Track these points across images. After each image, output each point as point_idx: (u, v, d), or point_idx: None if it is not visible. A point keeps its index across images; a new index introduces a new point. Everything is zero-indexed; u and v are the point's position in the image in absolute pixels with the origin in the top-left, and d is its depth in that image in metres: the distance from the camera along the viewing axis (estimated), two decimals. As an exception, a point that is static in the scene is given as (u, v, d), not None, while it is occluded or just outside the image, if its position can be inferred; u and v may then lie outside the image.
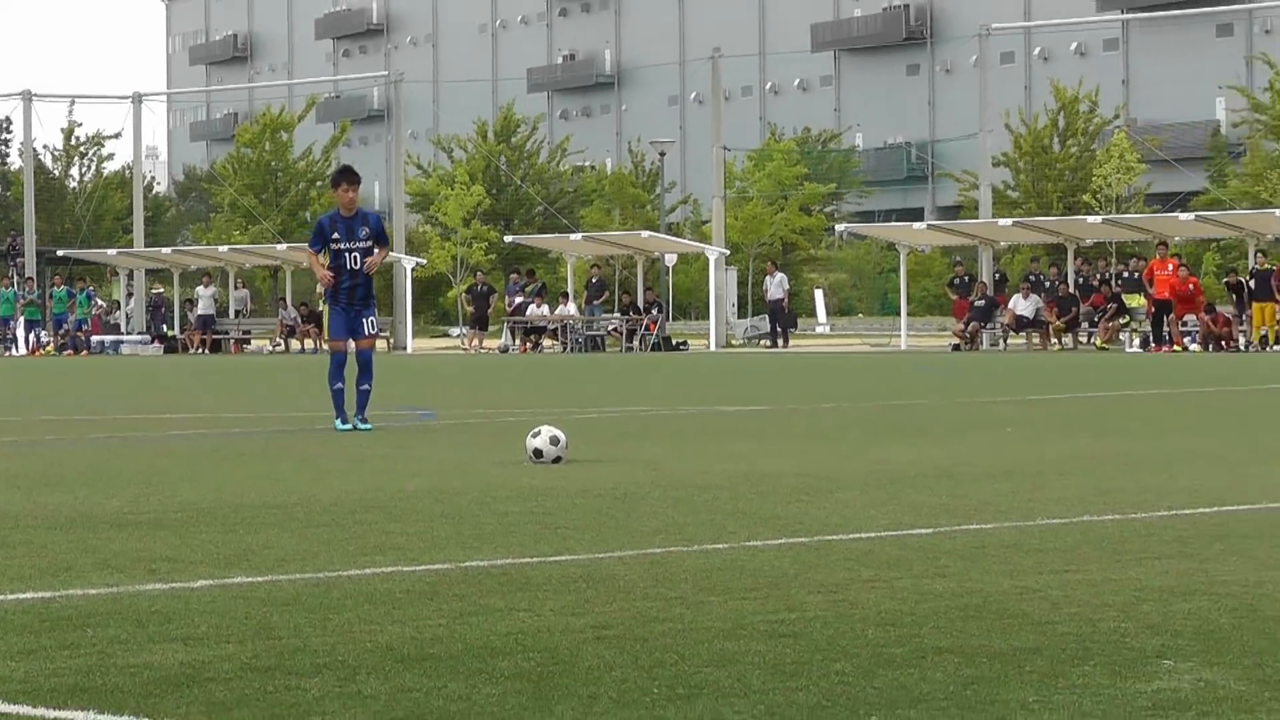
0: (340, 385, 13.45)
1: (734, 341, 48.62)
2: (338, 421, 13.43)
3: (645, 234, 51.94)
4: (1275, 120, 54.31)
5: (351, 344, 13.65)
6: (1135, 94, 77.37)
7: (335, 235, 13.35)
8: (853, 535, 7.32)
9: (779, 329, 46.08)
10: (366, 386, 13.49)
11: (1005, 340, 42.81)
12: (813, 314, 59.81)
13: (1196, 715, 3.64)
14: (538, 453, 10.17)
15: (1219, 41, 76.35)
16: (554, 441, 10.20)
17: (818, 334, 57.73)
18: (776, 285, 46.01)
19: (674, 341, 46.15)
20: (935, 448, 12.44)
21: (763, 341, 47.30)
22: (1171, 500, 8.51)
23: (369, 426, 13.46)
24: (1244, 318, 38.26)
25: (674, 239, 54.69)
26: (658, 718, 3.71)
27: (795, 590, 5.71)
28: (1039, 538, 7.20)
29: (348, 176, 13.90)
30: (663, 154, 62.23)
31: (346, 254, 13.33)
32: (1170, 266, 38.89)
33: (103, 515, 8.26)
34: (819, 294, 61.50)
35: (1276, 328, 37.60)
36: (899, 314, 46.82)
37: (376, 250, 13.56)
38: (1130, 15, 76.16)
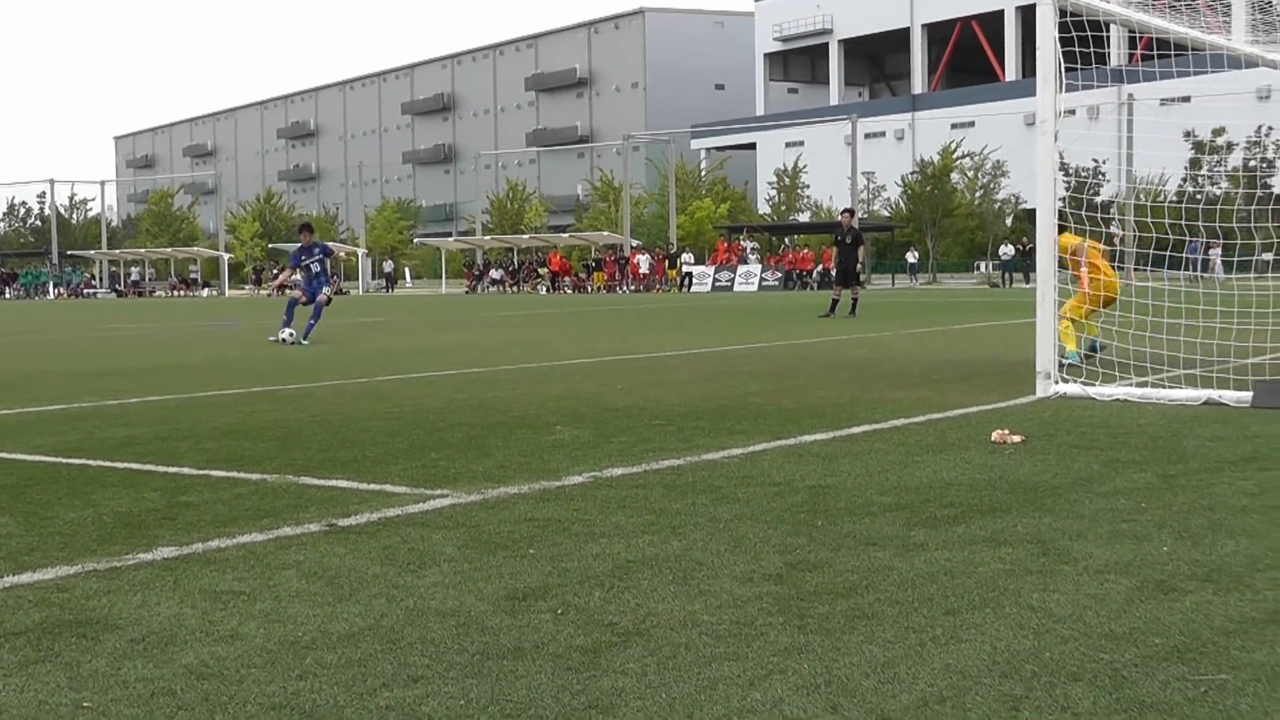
0: (288, 318, 22.82)
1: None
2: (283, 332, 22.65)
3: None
4: None
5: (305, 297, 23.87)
6: None
7: (303, 258, 23.84)
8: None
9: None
10: (314, 322, 23.06)
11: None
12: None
13: (570, 451, 9.20)
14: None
15: None
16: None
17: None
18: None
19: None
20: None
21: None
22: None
23: (308, 343, 21.99)
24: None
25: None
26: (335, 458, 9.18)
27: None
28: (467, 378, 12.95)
29: (307, 228, 25.23)
30: None
31: (309, 265, 23.88)
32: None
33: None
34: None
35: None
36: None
37: (329, 260, 24.65)
38: None
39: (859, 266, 31.52)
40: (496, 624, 4.58)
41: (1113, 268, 15.56)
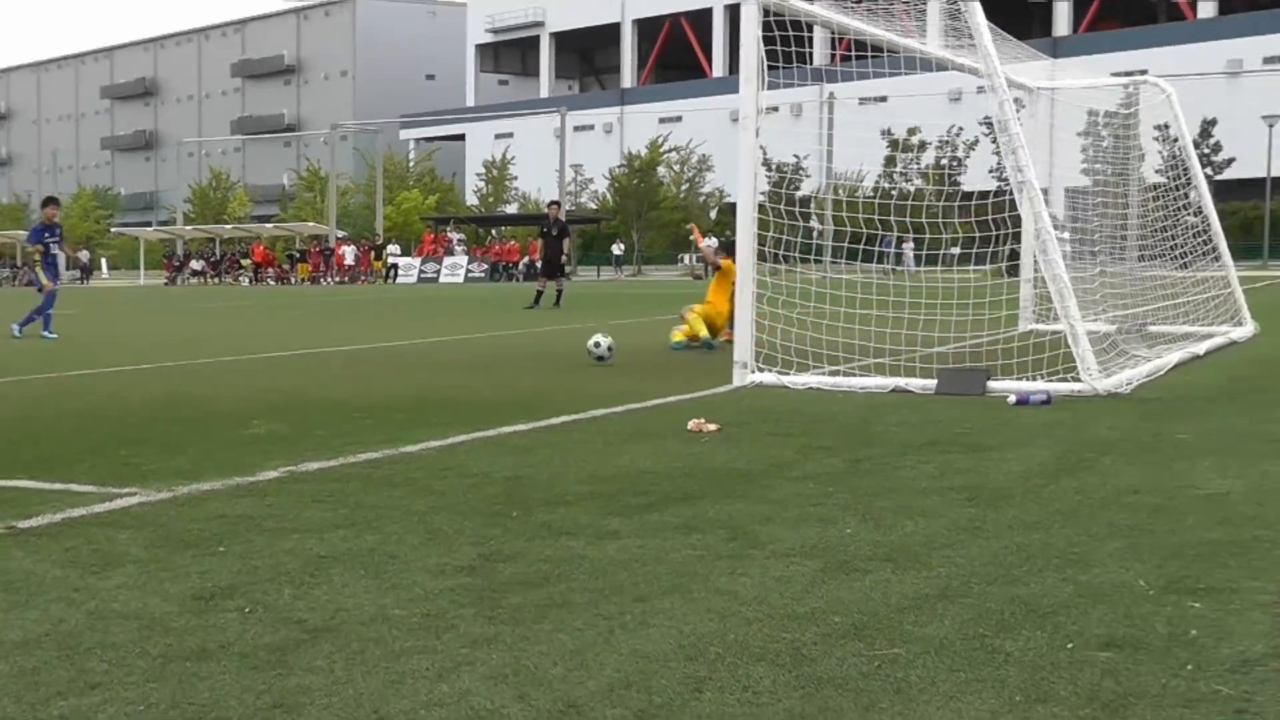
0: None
1: None
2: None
3: None
4: None
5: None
6: None
7: (47, 235, 21.73)
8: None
9: None
10: (50, 312, 21.49)
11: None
12: None
13: (266, 446, 9.04)
14: (597, 346, 14.12)
15: None
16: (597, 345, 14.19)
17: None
18: None
19: None
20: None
21: None
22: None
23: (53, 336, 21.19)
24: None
25: None
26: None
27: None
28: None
29: (54, 202, 22.66)
30: None
31: (50, 244, 21.86)
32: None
33: None
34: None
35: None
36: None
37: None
38: None
39: (565, 259, 31.75)
40: (182, 625, 4.45)
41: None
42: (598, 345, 13.93)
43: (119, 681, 3.89)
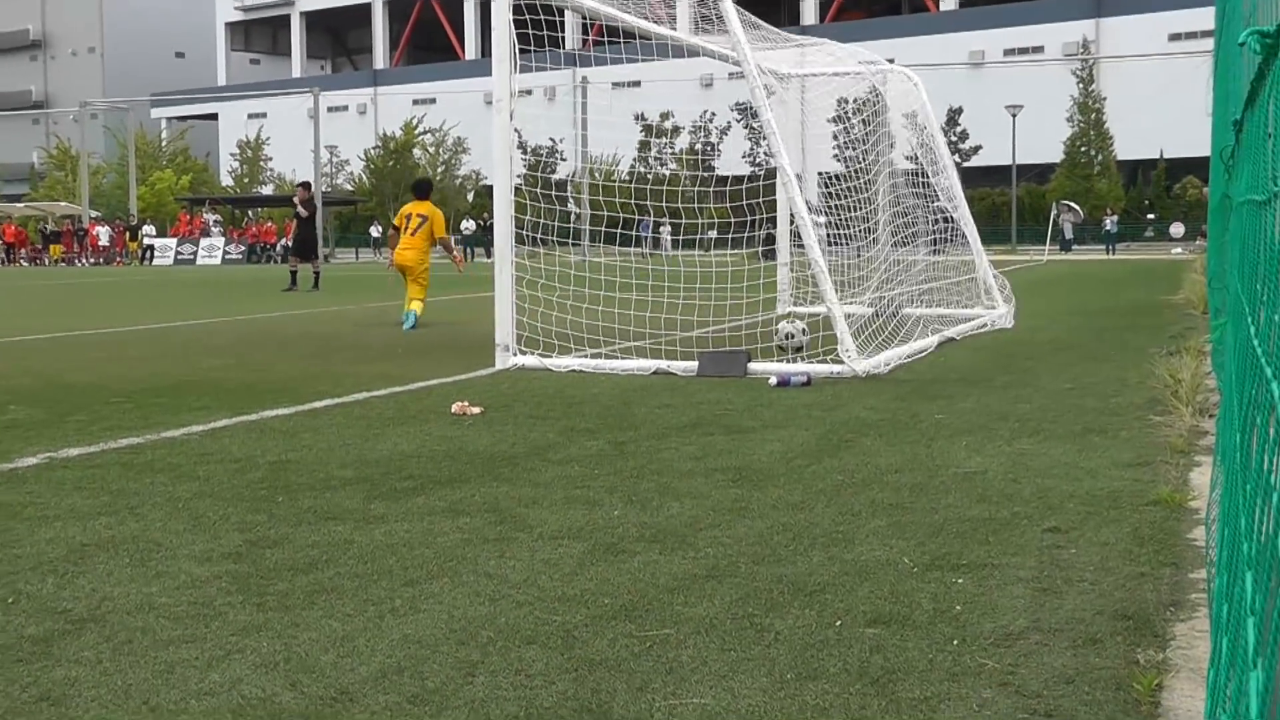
0: None
1: None
2: None
3: None
4: None
5: None
6: None
7: None
8: None
9: None
10: None
11: None
12: None
13: (23, 432, 8.68)
14: (789, 336, 12.41)
15: None
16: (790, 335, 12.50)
17: None
18: None
19: None
20: None
21: None
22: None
23: None
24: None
25: None
26: None
27: None
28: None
29: None
30: None
31: None
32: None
33: None
34: None
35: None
36: None
37: None
38: None
39: (318, 240, 31.37)
40: (-71, 620, 4.24)
41: (409, 234, 17.51)
42: (790, 337, 12.64)
43: None
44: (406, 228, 18.50)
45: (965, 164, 65.68)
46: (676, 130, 69.55)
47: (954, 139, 67.92)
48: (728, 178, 15.87)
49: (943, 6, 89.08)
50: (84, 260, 66.22)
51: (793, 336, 12.54)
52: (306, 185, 33.13)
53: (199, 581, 4.69)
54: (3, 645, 3.99)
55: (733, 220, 13.90)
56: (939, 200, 17.00)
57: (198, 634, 4.09)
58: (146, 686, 3.65)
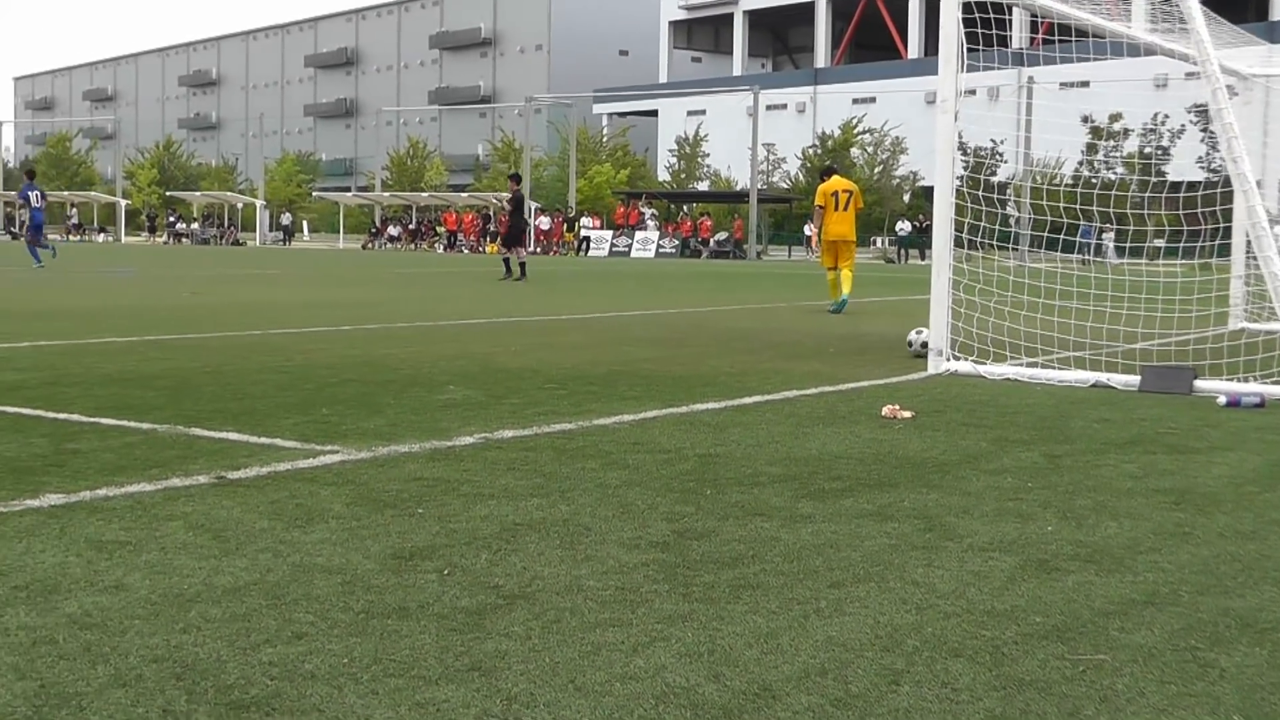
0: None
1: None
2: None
3: None
4: None
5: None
6: None
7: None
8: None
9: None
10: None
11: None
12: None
13: (461, 411, 9.19)
14: (924, 345, 12.72)
15: None
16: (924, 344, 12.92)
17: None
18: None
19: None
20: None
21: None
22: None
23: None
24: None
25: None
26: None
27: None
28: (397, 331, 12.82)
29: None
30: None
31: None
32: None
33: None
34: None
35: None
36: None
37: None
38: None
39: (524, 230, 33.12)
40: (382, 583, 4.52)
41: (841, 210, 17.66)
42: (911, 345, 13.11)
43: (324, 634, 3.96)
44: (837, 204, 18.78)
45: None
46: (1126, 133, 66.90)
47: None
48: (1180, 184, 15.12)
49: None
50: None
51: (912, 345, 12.94)
52: (517, 178, 33.89)
53: (626, 568, 4.81)
54: (438, 614, 4.19)
55: (1185, 229, 13.23)
56: None
57: (623, 619, 4.20)
58: (573, 665, 3.76)
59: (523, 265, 31.81)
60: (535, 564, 4.82)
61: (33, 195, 35.57)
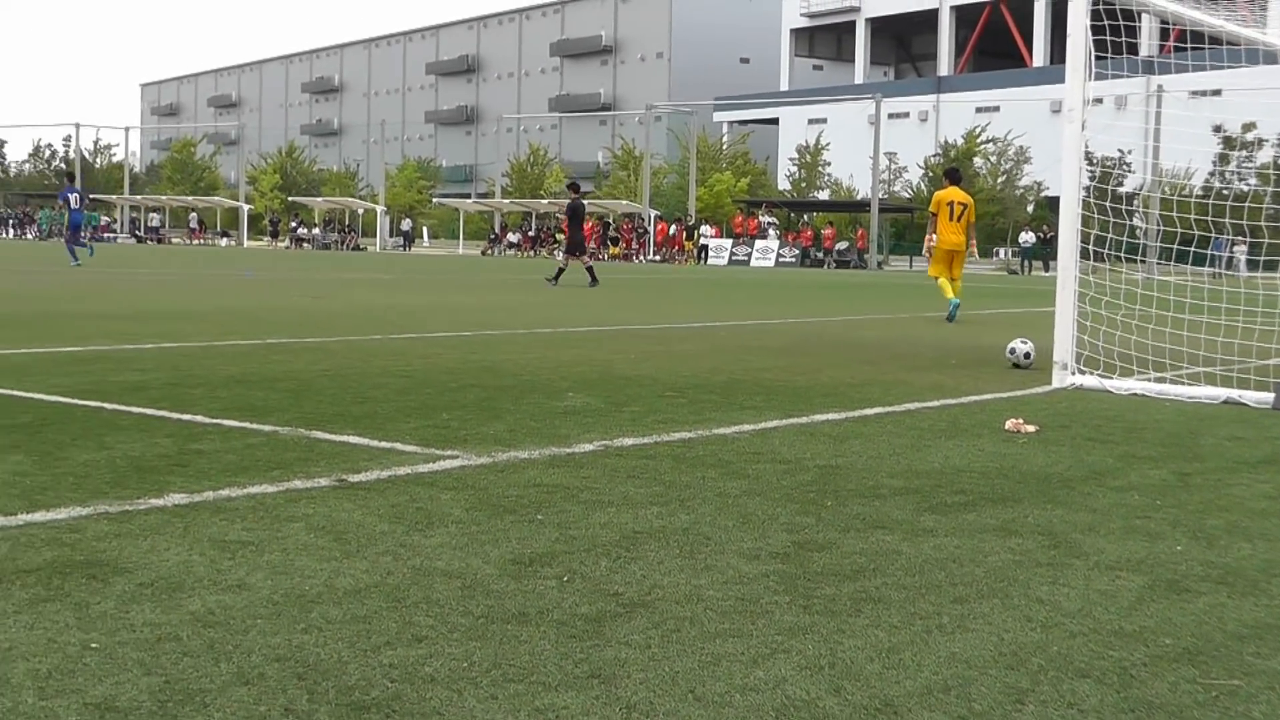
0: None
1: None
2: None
3: None
4: None
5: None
6: None
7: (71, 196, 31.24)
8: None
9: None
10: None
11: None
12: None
13: (581, 419, 9.19)
14: (1026, 355, 12.94)
15: None
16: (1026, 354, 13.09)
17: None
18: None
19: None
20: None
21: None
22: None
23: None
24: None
25: None
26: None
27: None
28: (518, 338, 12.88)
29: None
30: None
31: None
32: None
33: None
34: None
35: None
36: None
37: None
38: None
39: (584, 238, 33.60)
40: (502, 588, 4.54)
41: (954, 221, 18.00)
42: (1013, 352, 13.00)
43: (443, 637, 3.98)
44: (951, 214, 18.89)
45: None
46: (1260, 143, 65.41)
47: None
48: (1317, 197, 14.74)
49: None
50: (642, 257, 69.72)
51: (1015, 352, 12.91)
52: (576, 186, 33.90)
53: (746, 578, 4.78)
54: (558, 620, 4.19)
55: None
56: None
57: (744, 629, 4.17)
58: (693, 675, 3.73)
59: (590, 270, 32.06)
60: (655, 572, 4.81)
61: (72, 197, 37.98)
